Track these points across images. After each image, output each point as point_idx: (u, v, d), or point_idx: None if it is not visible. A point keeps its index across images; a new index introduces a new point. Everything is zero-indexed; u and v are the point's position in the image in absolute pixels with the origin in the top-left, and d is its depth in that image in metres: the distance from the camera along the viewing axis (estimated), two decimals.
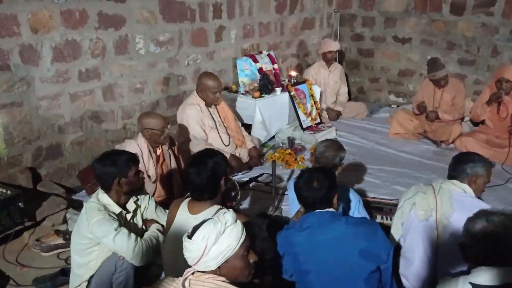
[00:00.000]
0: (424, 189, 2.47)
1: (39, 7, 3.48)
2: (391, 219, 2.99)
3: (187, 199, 2.34)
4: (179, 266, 1.89)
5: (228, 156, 3.90)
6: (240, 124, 4.55)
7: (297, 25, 6.14)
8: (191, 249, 1.69)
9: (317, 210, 2.19)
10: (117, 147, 3.47)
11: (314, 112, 5.26)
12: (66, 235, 3.12)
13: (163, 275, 2.47)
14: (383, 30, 6.37)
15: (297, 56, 6.34)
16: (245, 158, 4.34)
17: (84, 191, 3.79)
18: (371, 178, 4.19)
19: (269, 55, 5.55)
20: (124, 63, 4.17)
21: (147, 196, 2.68)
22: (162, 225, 2.56)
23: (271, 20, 5.69)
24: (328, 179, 2.23)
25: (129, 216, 2.52)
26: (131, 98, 4.32)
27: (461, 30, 5.74)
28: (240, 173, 4.20)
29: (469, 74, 5.83)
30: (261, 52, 5.52)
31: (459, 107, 4.94)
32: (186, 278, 1.72)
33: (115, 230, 2.31)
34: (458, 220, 2.10)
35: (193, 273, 1.73)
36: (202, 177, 2.23)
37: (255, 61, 5.32)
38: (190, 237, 1.71)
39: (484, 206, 2.24)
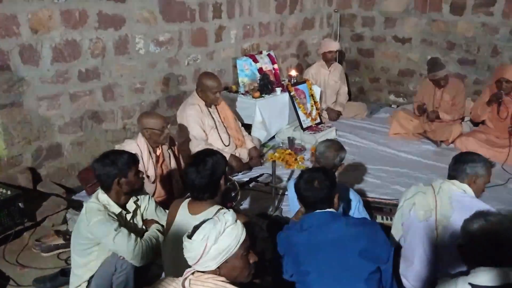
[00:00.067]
0: (424, 189, 2.47)
1: (39, 7, 3.48)
2: (391, 219, 3.00)
3: (187, 199, 2.34)
4: (179, 266, 1.88)
5: (228, 156, 3.91)
6: (240, 124, 4.55)
7: (297, 25, 6.14)
8: (191, 249, 1.69)
9: (317, 211, 2.19)
10: (117, 147, 3.47)
11: (314, 112, 5.26)
12: (66, 236, 3.12)
13: (163, 275, 2.47)
14: (383, 30, 6.37)
15: (297, 56, 6.34)
16: (245, 158, 4.34)
17: (84, 191, 3.78)
18: (371, 178, 4.19)
19: (269, 55, 5.55)
20: (124, 63, 4.17)
21: (147, 196, 2.68)
22: (162, 225, 2.56)
23: (271, 20, 5.69)
24: (328, 179, 2.24)
25: (129, 216, 2.52)
26: (131, 98, 4.32)
27: (461, 30, 5.74)
28: (240, 173, 4.20)
29: (469, 74, 5.83)
30: (261, 52, 5.52)
31: (459, 107, 4.93)
32: (186, 278, 1.72)
33: (115, 230, 2.31)
34: (458, 220, 2.09)
35: (193, 273, 1.73)
36: (201, 176, 2.23)
37: (255, 61, 5.32)
38: (190, 237, 1.71)
39: (484, 206, 2.24)
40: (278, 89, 5.12)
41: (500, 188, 3.97)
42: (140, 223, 2.59)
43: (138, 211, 2.59)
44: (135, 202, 2.56)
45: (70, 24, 3.69)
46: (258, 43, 5.60)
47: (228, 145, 4.25)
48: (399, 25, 6.21)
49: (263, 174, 4.16)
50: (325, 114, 5.63)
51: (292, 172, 4.28)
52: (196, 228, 1.73)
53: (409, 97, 6.34)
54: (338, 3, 6.61)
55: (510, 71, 4.42)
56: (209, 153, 2.36)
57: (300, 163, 4.39)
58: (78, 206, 3.42)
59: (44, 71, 3.62)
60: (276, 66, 5.54)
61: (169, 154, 3.50)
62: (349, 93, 6.29)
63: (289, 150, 4.53)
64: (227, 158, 3.22)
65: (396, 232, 2.58)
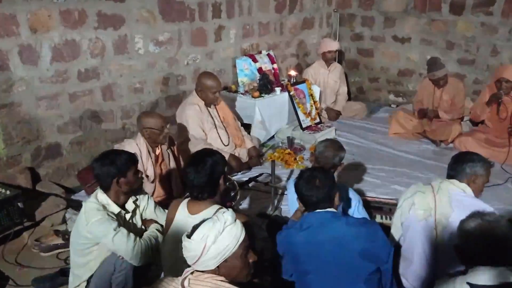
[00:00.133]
0: (423, 188, 2.47)
1: (38, 7, 3.47)
2: (390, 219, 3.00)
3: (187, 199, 2.34)
4: (179, 266, 1.88)
5: (227, 156, 3.91)
6: (239, 124, 4.55)
7: (297, 24, 6.13)
8: (190, 248, 1.69)
9: (318, 210, 2.19)
10: (116, 146, 3.47)
11: (314, 112, 5.26)
12: (66, 235, 3.12)
13: (162, 275, 2.47)
14: (382, 30, 6.37)
15: (297, 55, 6.34)
16: (244, 158, 4.34)
17: (83, 191, 3.78)
18: (371, 178, 4.19)
19: (268, 54, 5.54)
20: (123, 63, 4.16)
21: (146, 196, 2.68)
22: (161, 225, 2.56)
23: (270, 20, 5.69)
24: (328, 178, 2.24)
25: (128, 216, 2.52)
26: (131, 98, 4.32)
27: (460, 30, 5.74)
28: (239, 173, 4.20)
29: (468, 73, 5.83)
30: (260, 52, 5.52)
31: (458, 107, 4.93)
32: (185, 278, 1.72)
33: (114, 230, 2.31)
34: (457, 220, 2.09)
35: (192, 273, 1.73)
36: (201, 177, 2.23)
37: (255, 60, 5.32)
38: (189, 236, 1.71)
39: (484, 206, 2.24)
40: (278, 89, 5.12)
41: (499, 187, 3.97)
42: (139, 223, 2.59)
43: (137, 211, 2.59)
44: (134, 202, 2.55)
45: (69, 24, 3.69)
46: (258, 43, 5.60)
47: (228, 145, 4.25)
48: (399, 25, 6.21)
49: (262, 173, 4.17)
50: (324, 114, 5.63)
51: (292, 171, 4.28)
52: (195, 227, 1.73)
53: (409, 96, 6.34)
54: (338, 3, 6.60)
55: (510, 71, 4.42)
56: (208, 153, 2.36)
57: (299, 162, 4.39)
58: (77, 206, 3.41)
59: (43, 71, 3.61)
60: (275, 65, 5.54)
61: (169, 153, 3.50)
62: (349, 93, 6.28)
63: (289, 150, 4.53)
64: (227, 158, 3.22)
65: (395, 231, 2.58)
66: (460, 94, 4.92)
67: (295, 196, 2.34)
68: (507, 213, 3.38)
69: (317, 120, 5.28)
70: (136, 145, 3.28)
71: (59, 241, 3.12)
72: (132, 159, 2.48)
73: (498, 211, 2.13)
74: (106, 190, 2.42)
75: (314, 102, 5.30)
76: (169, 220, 2.33)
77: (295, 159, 4.42)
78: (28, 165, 3.66)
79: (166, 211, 2.48)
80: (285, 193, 3.66)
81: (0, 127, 3.46)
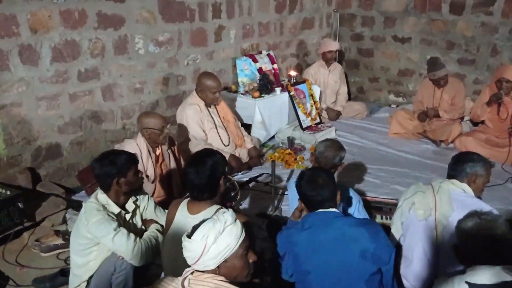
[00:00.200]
0: (423, 188, 2.47)
1: (38, 7, 3.48)
2: (390, 219, 2.99)
3: (187, 199, 2.34)
4: (179, 266, 1.88)
5: (227, 156, 3.91)
6: (239, 124, 4.55)
7: (297, 25, 6.14)
8: (191, 248, 1.69)
9: (320, 210, 2.18)
10: (116, 147, 3.47)
11: (314, 112, 5.26)
12: (66, 236, 3.12)
13: (162, 275, 2.46)
14: (382, 30, 6.37)
15: (297, 56, 6.34)
16: (244, 158, 4.34)
17: (83, 191, 3.78)
18: (371, 178, 4.19)
19: (268, 55, 5.55)
20: (123, 63, 4.17)
21: (146, 196, 2.68)
22: (162, 225, 2.56)
23: (270, 20, 5.69)
24: (330, 177, 2.25)
25: (128, 216, 2.52)
26: (131, 98, 4.32)
27: (460, 30, 5.74)
28: (239, 173, 4.20)
29: (468, 73, 5.83)
30: (260, 52, 5.52)
31: (458, 107, 4.93)
32: (185, 278, 1.72)
33: (114, 230, 2.31)
34: (457, 220, 2.09)
35: (192, 273, 1.73)
36: (201, 177, 2.23)
37: (255, 61, 5.32)
38: (189, 236, 1.71)
39: (484, 206, 2.24)
40: (278, 89, 5.12)
41: (499, 187, 3.97)
42: (139, 223, 2.59)
43: (137, 211, 2.59)
44: (134, 202, 2.55)
45: (69, 24, 3.69)
46: (258, 43, 5.60)
47: (228, 145, 4.25)
48: (399, 25, 6.21)
49: (262, 174, 4.17)
50: (324, 114, 5.63)
51: (292, 172, 4.28)
52: (195, 227, 1.73)
53: (409, 96, 6.34)
54: (338, 3, 6.61)
55: (510, 71, 4.42)
56: (209, 153, 2.36)
57: (299, 163, 4.39)
58: (77, 206, 3.41)
59: (43, 71, 3.61)
60: (275, 66, 5.54)
61: (169, 154, 3.50)
62: (349, 93, 6.29)
63: (289, 150, 4.53)
64: (227, 158, 3.21)
65: (396, 231, 2.58)
66: (460, 94, 4.92)
67: (296, 196, 2.34)
68: (507, 213, 3.38)
69: (317, 120, 5.28)
70: (137, 145, 3.28)
71: (59, 241, 3.12)
72: (132, 159, 2.48)
73: (498, 211, 2.13)
74: (106, 190, 2.42)
75: (314, 102, 5.30)
76: (169, 220, 2.32)
77: (295, 159, 4.43)
78: (29, 165, 3.66)
79: (166, 211, 2.48)
80: (286, 193, 3.66)
81: (1, 127, 3.46)
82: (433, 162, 4.51)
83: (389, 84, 6.59)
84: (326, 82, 5.71)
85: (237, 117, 4.67)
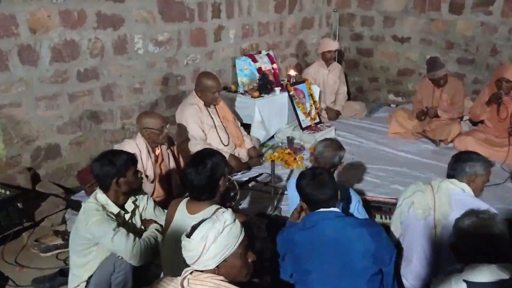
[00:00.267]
0: (422, 188, 2.47)
1: (38, 7, 3.47)
2: (390, 218, 3.00)
3: (186, 199, 2.34)
4: (178, 266, 1.88)
5: (227, 156, 3.90)
6: (239, 124, 4.55)
7: (296, 24, 6.14)
8: (190, 248, 1.69)
9: (321, 209, 2.18)
10: (116, 147, 3.46)
11: (313, 112, 5.26)
12: (65, 236, 3.11)
13: (161, 275, 2.46)
14: (382, 30, 6.37)
15: (296, 55, 6.34)
16: (244, 158, 4.34)
17: (83, 191, 3.78)
18: (370, 178, 4.19)
19: (268, 54, 5.54)
20: (122, 63, 4.16)
21: (146, 196, 2.68)
22: (161, 225, 2.56)
23: (270, 20, 5.69)
24: (330, 175, 2.25)
25: (127, 216, 2.52)
26: (130, 98, 4.32)
27: (460, 29, 5.74)
28: (239, 173, 4.20)
29: (468, 73, 5.83)
30: (260, 52, 5.52)
31: (458, 107, 4.93)
32: (184, 278, 1.72)
33: (114, 230, 2.31)
34: None
35: (191, 273, 1.73)
36: (201, 177, 2.23)
37: (254, 60, 5.31)
38: (189, 236, 1.71)
39: (483, 205, 2.23)
40: (277, 89, 5.12)
41: (499, 187, 3.96)
42: (138, 223, 2.59)
43: (137, 211, 2.59)
44: (133, 202, 2.55)
45: (68, 24, 3.68)
46: (257, 43, 5.60)
47: (227, 145, 4.25)
48: (398, 25, 6.21)
49: (262, 173, 4.16)
50: (324, 114, 5.63)
51: (291, 171, 4.28)
52: (194, 227, 1.73)
53: (408, 96, 6.34)
54: (337, 3, 6.61)
55: (510, 71, 4.42)
56: (209, 154, 2.35)
57: (299, 162, 4.39)
58: (77, 206, 3.41)
59: (42, 71, 3.61)
60: (275, 65, 5.53)
61: (168, 154, 3.50)
62: (348, 92, 6.29)
63: (288, 150, 4.53)
64: (226, 158, 3.21)
65: (395, 231, 2.58)
66: (460, 93, 4.92)
67: (296, 195, 2.34)
68: (506, 212, 3.38)
69: (317, 120, 5.28)
70: (136, 145, 3.28)
71: (59, 241, 3.12)
72: (131, 159, 2.48)
73: (497, 211, 2.13)
74: (105, 190, 2.42)
75: (314, 102, 5.30)
76: (168, 220, 2.32)
77: (295, 159, 4.42)
78: (28, 165, 3.66)
79: (165, 211, 2.48)
80: (285, 193, 3.66)
81: (0, 128, 3.46)
82: (432, 162, 4.51)
83: (388, 83, 6.59)
84: (325, 82, 5.71)
85: (237, 117, 4.67)
